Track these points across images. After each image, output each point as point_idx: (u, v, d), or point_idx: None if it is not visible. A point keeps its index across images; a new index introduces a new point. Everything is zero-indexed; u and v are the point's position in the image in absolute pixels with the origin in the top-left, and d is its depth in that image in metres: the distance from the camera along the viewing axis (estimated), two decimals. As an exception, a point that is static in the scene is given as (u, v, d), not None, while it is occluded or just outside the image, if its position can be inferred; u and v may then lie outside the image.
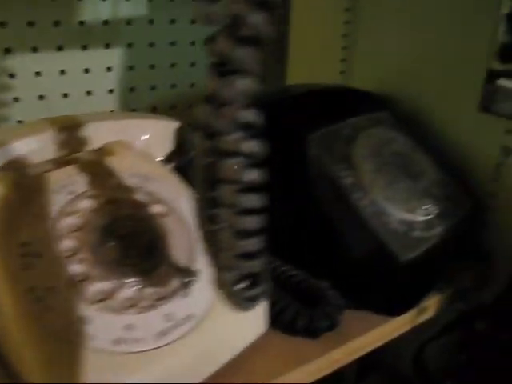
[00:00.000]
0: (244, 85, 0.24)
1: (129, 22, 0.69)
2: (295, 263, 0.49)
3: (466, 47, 0.56)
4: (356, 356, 0.46)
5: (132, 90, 0.73)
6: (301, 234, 0.50)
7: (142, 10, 0.70)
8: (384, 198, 0.47)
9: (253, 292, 0.28)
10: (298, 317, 0.43)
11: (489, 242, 0.58)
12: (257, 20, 0.23)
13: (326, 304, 0.44)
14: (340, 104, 0.56)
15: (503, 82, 0.50)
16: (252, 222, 0.26)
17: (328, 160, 0.47)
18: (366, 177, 0.47)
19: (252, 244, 0.27)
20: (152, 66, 0.73)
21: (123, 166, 0.45)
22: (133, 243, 0.40)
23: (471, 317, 0.52)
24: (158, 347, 0.36)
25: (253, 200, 0.25)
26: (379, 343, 0.48)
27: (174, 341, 0.37)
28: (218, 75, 0.24)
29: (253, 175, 0.25)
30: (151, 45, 0.72)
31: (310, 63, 0.80)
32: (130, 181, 0.44)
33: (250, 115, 0.25)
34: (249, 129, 0.26)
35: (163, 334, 0.37)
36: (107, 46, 0.68)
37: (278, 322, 0.44)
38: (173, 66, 0.76)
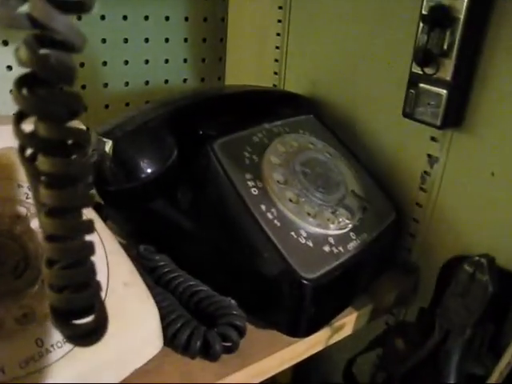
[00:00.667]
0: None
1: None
2: (205, 278, 0.46)
3: (393, 51, 0.53)
4: (259, 379, 0.43)
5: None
6: (209, 248, 0.46)
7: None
8: (293, 210, 0.44)
9: (82, 328, 0.25)
10: (193, 338, 0.40)
11: (416, 254, 0.55)
12: (62, 24, 0.20)
13: (226, 325, 0.41)
14: (259, 108, 0.53)
15: (424, 87, 0.47)
16: (55, 250, 0.22)
17: (234, 169, 0.44)
18: (275, 188, 0.44)
19: (68, 276, 0.23)
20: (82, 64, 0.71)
21: (11, 175, 0.42)
22: (3, 260, 0.37)
23: (392, 334, 0.50)
24: (26, 375, 0.33)
25: (53, 225, 0.22)
26: (286, 366, 0.45)
27: (44, 367, 0.34)
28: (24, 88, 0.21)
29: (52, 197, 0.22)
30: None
31: (247, 63, 0.77)
32: (13, 192, 0.41)
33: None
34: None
35: (32, 360, 0.34)
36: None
37: (174, 343, 0.41)
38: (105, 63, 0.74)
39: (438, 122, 0.46)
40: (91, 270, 0.25)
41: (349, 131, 0.59)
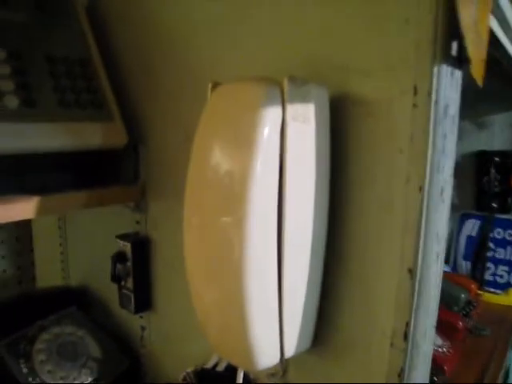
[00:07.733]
0: None
1: None
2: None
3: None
4: None
5: None
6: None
7: None
8: (51, 379, 0.77)
9: None
10: None
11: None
12: None
13: None
14: (36, 309, 0.87)
15: (121, 292, 0.83)
16: None
17: (13, 360, 0.76)
18: (39, 366, 0.77)
19: None
20: None
21: None
22: None
23: None
24: None
25: None
26: None
27: None
28: None
29: None
30: None
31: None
32: None
33: None
34: None
35: None
36: None
37: None
38: None
39: (133, 311, 0.83)
40: None
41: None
